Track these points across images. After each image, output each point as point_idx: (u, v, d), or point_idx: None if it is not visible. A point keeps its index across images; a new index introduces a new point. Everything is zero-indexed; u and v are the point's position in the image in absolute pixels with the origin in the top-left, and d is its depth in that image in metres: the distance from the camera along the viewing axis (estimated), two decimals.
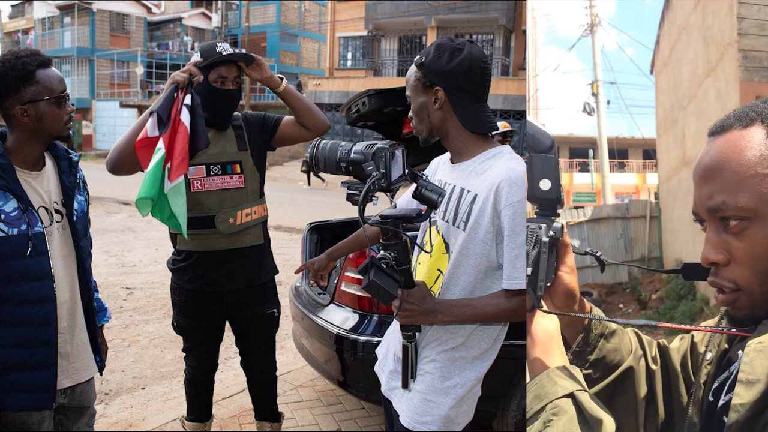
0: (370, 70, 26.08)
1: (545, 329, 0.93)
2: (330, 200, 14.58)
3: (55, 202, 1.88)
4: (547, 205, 0.93)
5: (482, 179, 1.59)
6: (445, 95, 1.62)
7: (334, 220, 4.31)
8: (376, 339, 2.76)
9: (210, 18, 35.48)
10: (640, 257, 10.75)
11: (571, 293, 0.96)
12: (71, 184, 1.93)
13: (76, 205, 1.93)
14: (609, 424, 0.83)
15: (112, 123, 30.19)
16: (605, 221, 10.11)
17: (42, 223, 1.80)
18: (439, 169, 1.81)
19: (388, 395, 1.81)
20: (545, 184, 0.91)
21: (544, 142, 0.92)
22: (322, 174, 1.62)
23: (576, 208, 12.01)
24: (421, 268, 1.75)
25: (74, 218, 1.91)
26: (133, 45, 33.35)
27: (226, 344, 3.12)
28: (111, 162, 2.27)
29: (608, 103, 14.91)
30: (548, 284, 0.92)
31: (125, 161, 2.23)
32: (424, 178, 1.53)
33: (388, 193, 1.53)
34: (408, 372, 1.64)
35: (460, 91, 1.62)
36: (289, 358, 4.40)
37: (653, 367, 1.10)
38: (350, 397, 3.63)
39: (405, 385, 1.66)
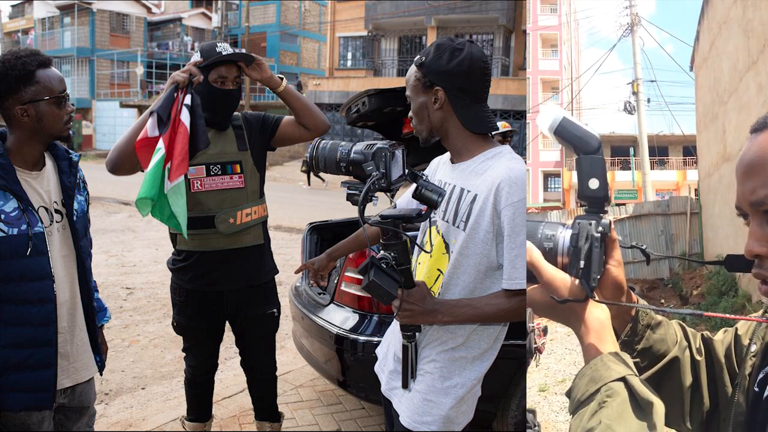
0: (370, 70, 26.08)
1: (597, 318, 0.98)
2: (330, 200, 14.58)
3: (55, 202, 1.88)
4: (596, 202, 0.99)
5: (482, 179, 1.59)
6: (445, 95, 1.62)
7: (334, 220, 4.31)
8: (376, 339, 2.76)
9: (210, 18, 35.47)
10: (681, 253, 10.81)
11: (620, 285, 1.02)
12: (71, 184, 1.93)
13: (76, 205, 1.93)
14: (659, 406, 0.88)
15: (112, 123, 30.19)
16: (646, 218, 10.14)
17: (42, 223, 1.80)
18: (439, 169, 1.81)
19: (388, 395, 1.81)
20: (594, 183, 0.98)
21: (591, 144, 0.98)
22: (322, 174, 1.62)
23: (617, 205, 12.13)
24: (421, 268, 1.75)
25: (74, 218, 1.91)
26: (133, 45, 33.34)
27: (226, 344, 3.12)
28: (111, 162, 2.27)
29: (648, 101, 14.96)
30: (598, 277, 0.98)
31: (125, 161, 2.23)
32: (424, 178, 1.53)
33: (388, 193, 1.53)
34: (408, 372, 1.64)
35: (460, 91, 1.62)
36: (289, 358, 4.40)
37: (698, 358, 1.13)
38: (350, 397, 3.63)
39: (405, 385, 1.66)
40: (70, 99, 1.89)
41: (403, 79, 1.74)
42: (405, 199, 1.80)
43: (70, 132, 1.90)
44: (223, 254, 2.51)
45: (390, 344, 1.84)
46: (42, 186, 1.86)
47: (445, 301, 1.60)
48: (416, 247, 1.81)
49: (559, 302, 0.97)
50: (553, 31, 24.71)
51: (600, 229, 0.97)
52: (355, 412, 3.63)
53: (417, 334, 1.62)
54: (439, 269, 1.68)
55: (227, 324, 2.72)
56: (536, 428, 2.60)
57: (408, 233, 1.52)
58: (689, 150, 19.90)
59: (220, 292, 2.58)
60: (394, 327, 1.81)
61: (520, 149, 17.72)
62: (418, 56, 1.66)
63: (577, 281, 0.97)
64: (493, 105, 18.57)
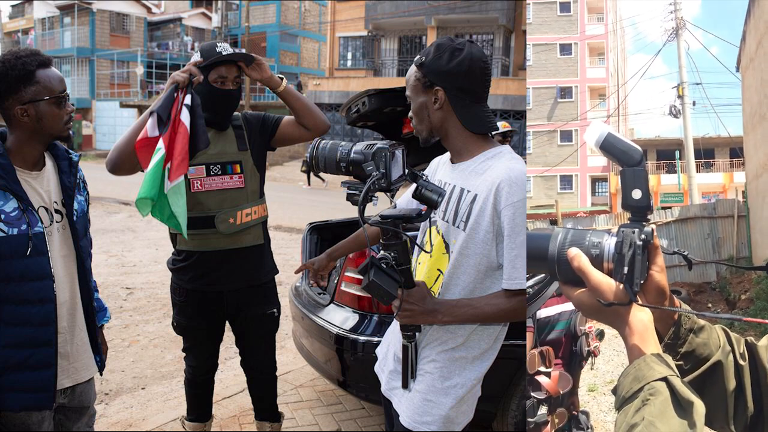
0: (370, 70, 26.09)
1: (641, 320, 1.04)
2: (330, 200, 14.58)
3: (55, 202, 1.88)
4: (639, 212, 1.06)
5: (482, 179, 1.59)
6: (445, 95, 1.62)
7: (334, 220, 4.31)
8: (376, 339, 2.76)
9: (210, 18, 35.47)
10: (728, 257, 10.65)
11: (662, 290, 1.07)
12: (71, 184, 1.92)
13: (76, 205, 1.93)
14: (699, 406, 0.92)
15: (112, 123, 30.19)
16: (692, 221, 10.01)
17: (42, 223, 1.80)
18: (439, 169, 1.81)
19: (388, 395, 1.81)
20: (636, 194, 1.05)
21: (634, 157, 1.05)
22: (322, 174, 1.62)
23: (663, 208, 12.11)
24: (421, 268, 1.75)
25: (74, 218, 1.91)
26: (133, 45, 33.34)
27: (226, 344, 3.12)
28: (111, 162, 2.27)
29: (694, 104, 14.96)
30: (641, 282, 1.04)
31: (125, 161, 2.23)
32: (424, 178, 1.53)
33: (388, 193, 1.53)
34: (408, 372, 1.64)
35: (460, 91, 1.62)
36: (289, 358, 4.40)
37: (741, 362, 1.16)
38: (350, 397, 3.62)
39: (405, 385, 1.66)
40: (70, 99, 1.89)
41: (403, 79, 1.74)
42: (405, 199, 1.80)
43: (70, 132, 1.90)
44: (223, 254, 2.51)
45: (390, 344, 1.84)
46: (42, 186, 1.86)
47: (445, 301, 1.60)
48: (416, 247, 1.81)
49: (604, 305, 1.02)
50: (599, 39, 24.98)
51: (642, 236, 1.03)
52: (355, 412, 3.63)
53: (417, 334, 1.62)
54: (439, 269, 1.68)
55: (227, 324, 2.72)
56: (589, 430, 2.61)
57: (408, 233, 1.52)
58: (736, 152, 19.85)
59: (220, 292, 2.58)
60: (394, 327, 1.81)
61: (520, 149, 17.74)
62: (418, 56, 1.65)
63: (621, 286, 1.02)
64: (493, 105, 18.58)
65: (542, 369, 2.41)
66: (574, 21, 25.08)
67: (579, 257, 1.04)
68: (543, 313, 2.51)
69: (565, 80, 24.78)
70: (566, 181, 24.63)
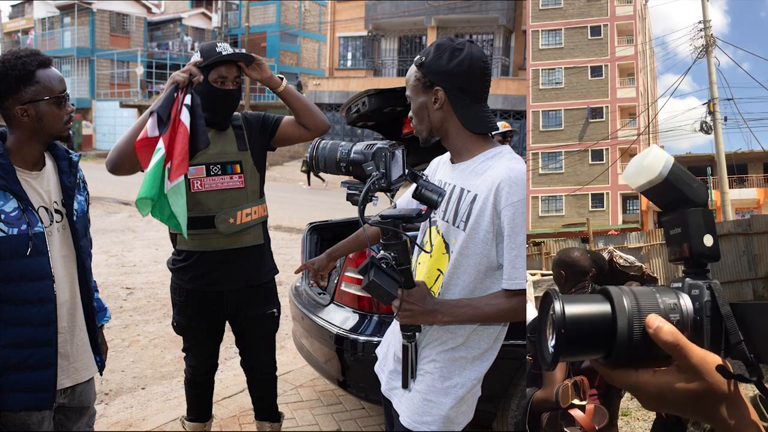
0: (370, 70, 26.09)
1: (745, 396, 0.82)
2: (330, 200, 14.58)
3: (55, 202, 1.88)
4: (707, 260, 0.85)
5: (482, 179, 1.59)
6: (445, 95, 1.62)
7: (334, 220, 4.31)
8: (376, 339, 2.76)
9: (210, 18, 35.46)
10: (766, 274, 10.18)
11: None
12: (71, 184, 1.92)
13: (76, 205, 1.93)
14: None
15: (112, 123, 30.19)
16: (726, 238, 9.64)
17: (42, 223, 1.80)
18: (439, 169, 1.81)
19: (388, 395, 1.81)
20: (709, 240, 0.84)
21: (703, 195, 0.85)
22: (322, 174, 1.62)
23: None
24: (421, 268, 1.75)
25: (74, 218, 1.91)
26: (133, 45, 33.33)
27: (226, 344, 3.12)
28: (111, 162, 2.27)
29: (725, 119, 14.88)
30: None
31: (125, 161, 2.23)
32: (424, 178, 1.53)
33: (388, 193, 1.53)
34: (408, 372, 1.64)
35: (460, 91, 1.62)
36: (289, 358, 4.40)
37: None
38: (350, 397, 3.62)
39: (405, 385, 1.66)
40: (70, 99, 1.89)
41: (403, 79, 1.73)
42: (405, 199, 1.80)
43: (70, 132, 1.90)
44: (223, 254, 2.50)
45: (390, 344, 1.84)
46: (42, 186, 1.86)
47: (445, 301, 1.60)
48: (416, 247, 1.81)
49: (734, 377, 0.76)
50: (629, 60, 25.56)
51: (726, 307, 0.80)
52: (355, 412, 3.63)
53: (417, 334, 1.62)
54: (439, 269, 1.68)
55: (227, 324, 2.72)
56: None
57: (408, 233, 1.52)
58: None
59: (220, 292, 2.58)
60: (394, 327, 1.81)
61: (520, 149, 17.75)
62: (418, 56, 1.65)
63: (727, 360, 0.78)
64: (493, 105, 18.58)
65: (576, 402, 2.18)
66: (605, 44, 25.84)
67: (671, 330, 0.76)
68: None
69: (595, 101, 25.38)
70: (597, 199, 24.99)
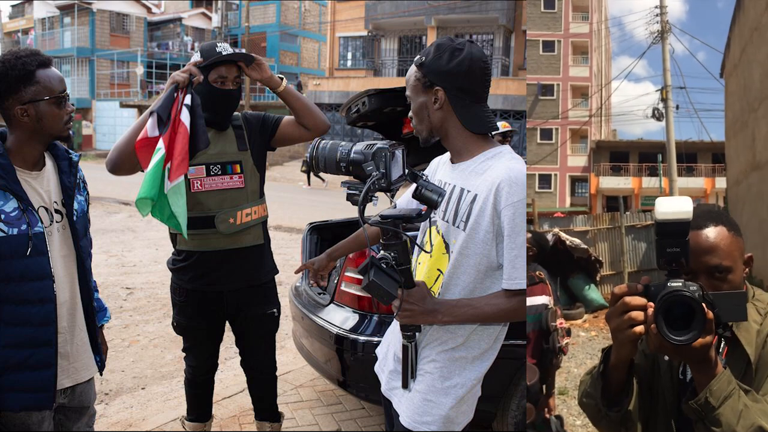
0: (370, 70, 26.09)
1: None
2: (330, 200, 14.58)
3: (55, 202, 1.88)
4: (682, 272, 1.20)
5: (482, 179, 1.59)
6: (446, 95, 1.62)
7: (334, 220, 4.31)
8: (376, 339, 2.76)
9: (210, 18, 35.46)
10: None
11: None
12: (71, 184, 1.92)
13: (76, 205, 1.93)
14: None
15: (112, 123, 30.18)
16: None
17: (42, 223, 1.80)
18: (439, 169, 1.81)
19: (388, 395, 1.81)
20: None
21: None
22: (322, 174, 1.62)
23: (644, 211, 12.11)
24: (421, 268, 1.75)
25: (74, 218, 1.91)
26: (133, 45, 33.33)
27: (226, 344, 3.12)
28: (111, 162, 2.27)
29: (677, 108, 14.97)
30: None
31: (125, 161, 2.23)
32: (424, 178, 1.53)
33: (388, 193, 1.53)
34: (408, 372, 1.64)
35: (460, 91, 1.62)
36: (289, 358, 4.40)
37: None
38: (350, 397, 3.62)
39: (405, 385, 1.66)
40: (70, 99, 1.89)
41: (403, 79, 1.73)
42: (405, 199, 1.80)
43: (70, 132, 1.90)
44: (223, 254, 2.50)
45: (390, 344, 1.84)
46: (42, 186, 1.86)
47: (445, 301, 1.60)
48: (416, 247, 1.81)
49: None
50: (583, 38, 24.68)
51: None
52: (355, 412, 3.63)
53: (417, 334, 1.62)
54: (439, 269, 1.68)
55: (227, 324, 2.72)
56: None
57: (408, 233, 1.52)
58: (718, 157, 19.78)
59: (220, 292, 2.58)
60: (394, 327, 1.81)
61: (520, 149, 17.72)
62: (418, 56, 1.65)
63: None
64: (493, 105, 18.59)
65: None
66: (558, 18, 24.67)
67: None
68: None
69: (547, 77, 24.36)
70: (545, 180, 24.28)
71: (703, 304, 1.10)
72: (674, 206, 1.18)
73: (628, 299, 1.13)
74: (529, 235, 2.84)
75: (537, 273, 2.75)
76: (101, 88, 32.42)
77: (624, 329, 1.13)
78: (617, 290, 1.15)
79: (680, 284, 1.14)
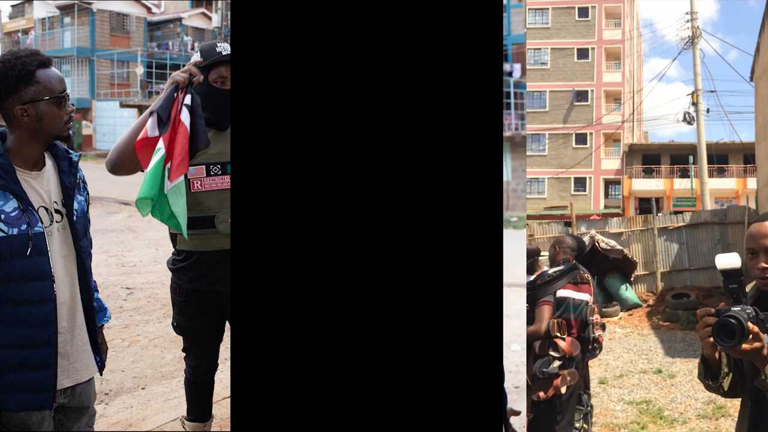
0: None
1: None
2: None
3: (55, 202, 1.88)
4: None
5: None
6: None
7: None
8: None
9: (210, 18, 35.46)
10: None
11: None
12: (71, 184, 1.92)
13: (76, 205, 1.92)
14: None
15: (112, 123, 30.17)
16: (703, 226, 9.92)
17: (42, 223, 1.80)
18: None
19: None
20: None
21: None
22: None
23: (675, 213, 12.15)
24: None
25: (74, 218, 1.91)
26: (133, 45, 33.32)
27: (226, 344, 3.11)
28: (111, 162, 2.27)
29: (708, 111, 15.01)
30: None
31: (125, 161, 2.23)
32: None
33: None
34: None
35: None
36: None
37: None
38: None
39: None
40: (70, 99, 1.89)
41: None
42: None
43: (70, 132, 1.90)
44: (223, 254, 2.50)
45: None
46: (42, 186, 1.86)
47: None
48: None
49: None
50: (616, 44, 25.18)
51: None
52: None
53: None
54: None
55: (227, 324, 2.72)
56: (588, 408, 3.07)
57: None
58: (749, 158, 19.84)
59: (220, 292, 2.58)
60: None
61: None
62: None
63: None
64: None
65: (558, 335, 2.91)
66: (592, 26, 25.32)
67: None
68: (560, 293, 3.01)
69: (581, 84, 24.97)
70: (580, 183, 24.74)
71: (749, 322, 1.45)
72: (729, 261, 1.61)
73: (705, 318, 1.55)
74: (569, 239, 3.39)
75: (585, 275, 3.12)
76: (101, 88, 32.41)
77: (703, 337, 1.56)
78: (699, 312, 1.57)
79: (739, 309, 1.49)
